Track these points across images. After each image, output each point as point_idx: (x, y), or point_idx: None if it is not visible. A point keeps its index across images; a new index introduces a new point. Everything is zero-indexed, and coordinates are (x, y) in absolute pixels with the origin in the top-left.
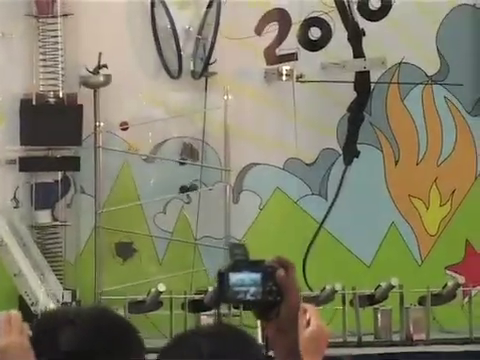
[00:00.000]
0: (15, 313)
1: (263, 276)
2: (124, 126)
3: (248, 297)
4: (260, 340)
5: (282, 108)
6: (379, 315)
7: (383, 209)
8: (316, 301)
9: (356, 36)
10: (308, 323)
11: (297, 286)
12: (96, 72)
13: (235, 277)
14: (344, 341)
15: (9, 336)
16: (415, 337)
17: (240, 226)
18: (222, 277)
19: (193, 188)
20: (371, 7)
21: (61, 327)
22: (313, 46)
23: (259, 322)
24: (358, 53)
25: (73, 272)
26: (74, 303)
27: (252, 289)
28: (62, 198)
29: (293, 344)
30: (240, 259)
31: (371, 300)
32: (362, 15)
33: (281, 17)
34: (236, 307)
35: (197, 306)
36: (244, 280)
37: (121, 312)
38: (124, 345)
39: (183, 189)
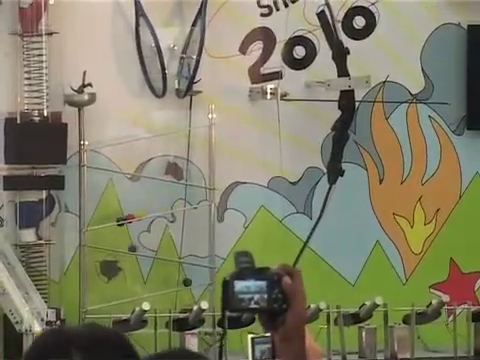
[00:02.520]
0: None
1: (269, 284)
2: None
3: (253, 305)
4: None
5: (267, 127)
6: (364, 334)
7: (368, 228)
8: (308, 319)
9: (340, 55)
10: None
11: (304, 294)
12: (81, 91)
13: (240, 285)
14: None
15: None
16: (400, 356)
17: (225, 245)
18: (227, 285)
19: (133, 249)
20: (355, 26)
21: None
22: (297, 65)
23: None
24: (342, 72)
25: (58, 291)
26: (58, 322)
27: (256, 296)
28: (46, 217)
29: (299, 353)
30: (245, 267)
31: (356, 319)
32: (346, 34)
33: (266, 36)
34: (241, 315)
35: (182, 325)
36: (249, 287)
37: None
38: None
39: (131, 249)
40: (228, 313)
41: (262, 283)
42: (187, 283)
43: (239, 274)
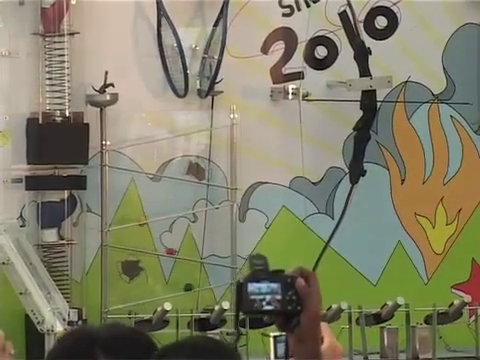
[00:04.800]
0: None
1: (282, 286)
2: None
3: (266, 306)
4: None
5: (288, 127)
6: (385, 334)
7: (389, 228)
8: (323, 319)
9: (362, 55)
10: (321, 340)
11: (319, 296)
12: (102, 91)
13: (253, 287)
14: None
15: None
16: (421, 356)
17: (246, 245)
18: (240, 287)
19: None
20: (377, 26)
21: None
22: (319, 65)
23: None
24: (364, 72)
25: (79, 291)
26: (80, 322)
27: (268, 297)
28: (68, 217)
29: (314, 354)
30: (260, 269)
31: (377, 319)
32: (368, 34)
33: (287, 36)
34: (256, 318)
35: (203, 325)
36: (261, 288)
37: None
38: None
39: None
40: (242, 315)
41: (276, 285)
42: (188, 288)
43: (253, 276)
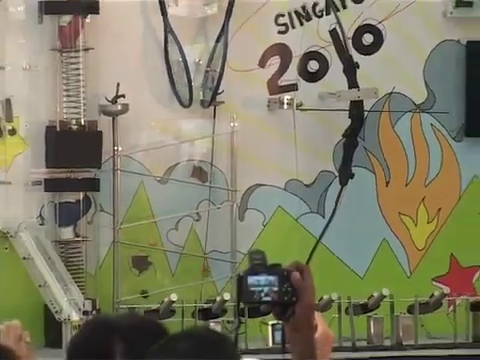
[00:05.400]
0: (14, 323)
1: (279, 278)
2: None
3: (264, 297)
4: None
5: (283, 134)
6: (372, 322)
7: (375, 226)
8: (316, 309)
9: (351, 68)
10: (315, 328)
11: (313, 288)
12: (114, 101)
13: (252, 279)
14: (340, 346)
15: (6, 343)
16: (405, 342)
17: (245, 241)
18: (241, 280)
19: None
20: (364, 42)
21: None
22: (312, 77)
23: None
24: (352, 84)
25: (93, 283)
26: (94, 311)
27: (266, 289)
28: (83, 216)
29: (308, 342)
30: (258, 263)
31: (364, 309)
32: (356, 49)
33: (283, 51)
34: (255, 308)
35: (206, 314)
36: (260, 281)
37: None
38: None
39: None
40: (242, 305)
41: (273, 278)
42: (143, 293)
43: (252, 270)
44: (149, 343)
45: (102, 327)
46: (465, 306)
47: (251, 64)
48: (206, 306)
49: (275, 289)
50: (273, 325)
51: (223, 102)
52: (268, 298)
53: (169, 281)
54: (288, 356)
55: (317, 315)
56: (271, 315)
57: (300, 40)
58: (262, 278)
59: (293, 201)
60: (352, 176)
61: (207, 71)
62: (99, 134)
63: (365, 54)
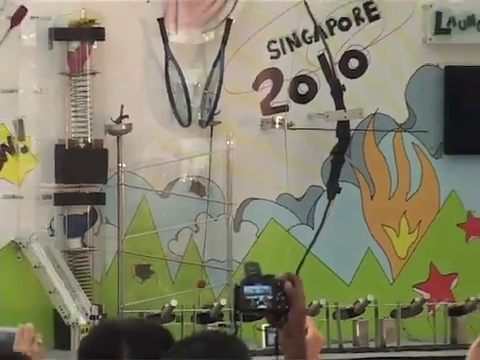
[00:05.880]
0: (28, 326)
1: (273, 288)
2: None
3: (259, 305)
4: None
5: (275, 151)
6: (357, 326)
7: (361, 236)
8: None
9: (338, 91)
10: (306, 331)
11: (303, 297)
12: (119, 121)
13: (248, 289)
14: (328, 348)
15: (19, 346)
16: (388, 344)
17: (240, 251)
18: (237, 289)
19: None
20: (350, 66)
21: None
22: (302, 99)
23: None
24: (339, 105)
25: (99, 290)
26: (100, 316)
27: (261, 297)
28: (90, 227)
29: (300, 345)
30: (253, 274)
31: (351, 313)
32: (343, 73)
33: (274, 75)
34: (249, 315)
35: (204, 319)
36: (255, 290)
37: None
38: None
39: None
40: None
41: (267, 287)
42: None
43: (248, 280)
44: (153, 346)
45: (110, 331)
46: (444, 311)
47: (245, 87)
48: (204, 311)
49: (269, 298)
50: (267, 328)
51: (220, 122)
52: (263, 306)
53: (170, 288)
54: (281, 357)
55: (308, 319)
56: (263, 319)
57: (291, 65)
58: (257, 287)
59: (284, 213)
60: (339, 190)
61: (205, 93)
62: (105, 152)
63: (351, 78)
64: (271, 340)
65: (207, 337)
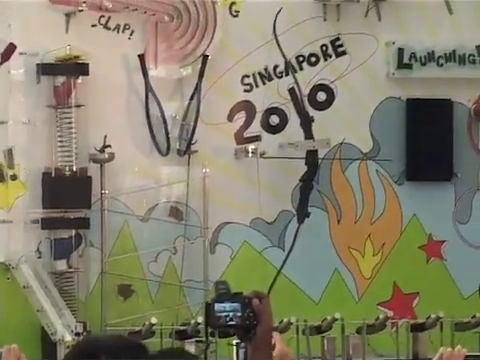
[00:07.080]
0: (14, 346)
1: (242, 305)
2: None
3: (229, 322)
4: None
5: (248, 179)
6: (325, 342)
7: (328, 258)
8: (275, 331)
9: (307, 122)
10: (273, 347)
11: (270, 313)
12: (102, 151)
13: (218, 306)
14: None
15: None
16: (354, 359)
17: (216, 271)
18: (208, 307)
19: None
20: (318, 99)
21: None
22: (273, 130)
23: (235, 345)
24: (308, 135)
25: (84, 308)
26: (85, 333)
27: (231, 314)
28: (75, 250)
29: (268, 358)
30: (223, 292)
31: (319, 330)
32: (311, 105)
33: (248, 107)
34: (221, 332)
35: (182, 335)
36: (225, 308)
37: None
38: None
39: None
40: (210, 329)
41: (236, 305)
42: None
43: (218, 298)
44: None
45: (90, 346)
46: (406, 327)
47: (221, 118)
48: (182, 328)
49: (238, 314)
50: (237, 344)
51: (196, 151)
52: (233, 322)
53: (150, 306)
54: None
55: (276, 335)
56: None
57: (263, 98)
58: (227, 305)
59: (257, 237)
60: (308, 215)
61: (182, 124)
62: (89, 179)
63: (319, 110)
64: (241, 355)
65: (170, 354)
